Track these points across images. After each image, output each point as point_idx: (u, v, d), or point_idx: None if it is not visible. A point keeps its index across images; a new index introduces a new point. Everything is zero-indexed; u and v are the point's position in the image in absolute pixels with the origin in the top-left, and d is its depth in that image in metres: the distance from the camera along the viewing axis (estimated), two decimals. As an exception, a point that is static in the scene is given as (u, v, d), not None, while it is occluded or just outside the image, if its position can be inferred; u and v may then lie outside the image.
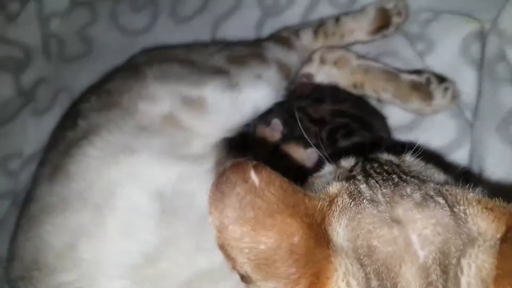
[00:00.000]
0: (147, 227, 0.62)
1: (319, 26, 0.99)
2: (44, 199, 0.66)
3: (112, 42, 1.19)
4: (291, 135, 0.85)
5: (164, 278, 0.60)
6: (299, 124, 0.80)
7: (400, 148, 0.81)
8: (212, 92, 0.76)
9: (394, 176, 0.45)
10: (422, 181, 0.44)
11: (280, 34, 0.98)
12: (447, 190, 0.42)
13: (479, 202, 0.41)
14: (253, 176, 0.38)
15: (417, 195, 0.42)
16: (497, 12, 0.91)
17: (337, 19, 0.98)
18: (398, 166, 0.49)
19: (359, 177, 0.46)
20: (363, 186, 0.44)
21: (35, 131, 1.06)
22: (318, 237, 0.39)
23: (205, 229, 0.62)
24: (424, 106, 0.89)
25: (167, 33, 1.17)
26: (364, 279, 0.37)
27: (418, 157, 0.78)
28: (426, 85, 0.88)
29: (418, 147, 0.85)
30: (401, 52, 0.97)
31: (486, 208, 0.39)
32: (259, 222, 0.37)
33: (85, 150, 0.66)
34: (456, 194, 0.42)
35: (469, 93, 0.91)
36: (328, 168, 0.55)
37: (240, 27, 1.11)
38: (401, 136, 0.92)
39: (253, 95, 0.79)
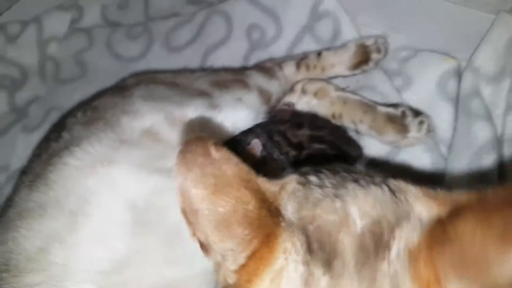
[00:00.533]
0: (118, 236, 0.63)
1: (301, 59, 1.03)
2: (22, 204, 0.67)
3: (106, 67, 1.23)
4: (269, 157, 0.87)
5: (130, 286, 0.61)
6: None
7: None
8: (193, 111, 0.78)
9: (342, 172, 0.50)
10: (369, 175, 0.49)
11: (264, 64, 1.03)
12: (393, 182, 0.47)
13: (422, 192, 0.45)
14: (213, 151, 0.44)
15: (362, 181, 0.47)
16: (473, 51, 0.95)
17: (319, 53, 1.03)
18: (349, 169, 0.53)
19: (310, 172, 0.50)
20: (312, 177, 0.49)
21: (23, 147, 1.09)
22: (269, 209, 0.44)
23: (174, 243, 0.64)
24: (399, 139, 0.91)
25: (160, 60, 1.22)
26: (306, 242, 0.42)
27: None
28: (401, 118, 0.91)
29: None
30: (379, 87, 1.00)
31: (428, 196, 0.44)
32: (218, 189, 0.43)
33: (65, 159, 0.68)
34: (400, 185, 0.46)
35: (445, 128, 0.94)
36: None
37: (228, 58, 1.16)
38: (376, 167, 0.94)
39: (232, 116, 0.82)
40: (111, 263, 0.61)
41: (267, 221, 0.43)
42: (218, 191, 0.43)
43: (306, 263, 0.41)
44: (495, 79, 0.91)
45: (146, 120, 0.75)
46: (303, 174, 0.50)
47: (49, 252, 0.61)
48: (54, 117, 1.15)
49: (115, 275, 0.61)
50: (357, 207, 0.43)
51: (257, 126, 0.89)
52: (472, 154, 0.86)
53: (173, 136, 0.75)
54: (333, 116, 0.97)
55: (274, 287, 0.41)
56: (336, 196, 0.45)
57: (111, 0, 1.35)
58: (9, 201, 0.73)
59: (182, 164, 0.44)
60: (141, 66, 1.22)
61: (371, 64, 1.01)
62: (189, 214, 0.44)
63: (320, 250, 0.41)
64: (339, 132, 0.95)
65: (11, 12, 1.31)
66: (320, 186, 0.47)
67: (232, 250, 0.43)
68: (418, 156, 0.93)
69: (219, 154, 0.44)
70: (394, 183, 0.47)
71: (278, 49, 1.12)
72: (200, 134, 0.46)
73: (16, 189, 0.74)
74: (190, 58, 1.19)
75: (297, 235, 0.43)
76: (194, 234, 0.45)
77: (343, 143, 0.92)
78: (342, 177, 0.48)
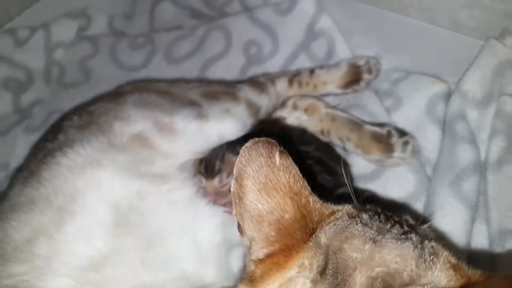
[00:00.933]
0: (99, 235, 0.66)
1: (294, 76, 1.06)
2: (15, 198, 0.71)
3: (109, 74, 1.28)
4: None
5: (106, 284, 0.63)
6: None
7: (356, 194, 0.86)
8: (181, 119, 0.82)
9: (397, 224, 0.51)
10: (416, 233, 0.50)
11: (257, 79, 1.06)
12: (431, 244, 0.48)
13: (449, 259, 0.46)
14: (277, 156, 0.48)
15: (400, 235, 0.48)
16: (462, 75, 0.97)
17: (311, 70, 1.06)
18: (410, 224, 0.54)
19: (369, 211, 0.53)
20: (364, 215, 0.51)
21: (24, 147, 1.12)
22: (305, 226, 0.48)
23: (153, 247, 0.67)
24: (384, 158, 0.93)
25: (160, 71, 1.26)
26: (322, 266, 0.44)
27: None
28: (387, 137, 0.93)
29: (373, 196, 0.90)
30: (369, 106, 1.02)
31: (452, 265, 0.45)
32: (265, 189, 0.48)
33: (58, 159, 0.72)
34: (436, 248, 0.47)
35: (431, 150, 0.96)
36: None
37: (225, 71, 1.19)
38: (362, 184, 0.96)
39: (219, 126, 0.85)
40: (90, 260, 0.64)
41: (296, 235, 0.47)
42: (264, 191, 0.48)
43: (314, 282, 0.44)
44: (481, 104, 0.93)
45: (136, 126, 0.78)
46: (360, 210, 0.52)
47: (35, 244, 0.64)
48: (55, 119, 1.18)
49: (93, 272, 0.63)
50: (380, 255, 0.44)
51: (246, 136, 0.91)
52: (453, 176, 0.87)
53: (161, 141, 0.79)
54: (322, 132, 0.99)
55: None
56: (371, 239, 0.46)
57: (118, 10, 1.40)
58: (4, 196, 0.76)
59: (245, 157, 0.49)
60: (142, 75, 1.26)
61: (362, 84, 1.04)
62: (235, 196, 0.50)
63: (332, 277, 0.43)
64: (327, 149, 0.97)
65: (21, 17, 1.36)
66: (365, 225, 0.48)
67: (256, 242, 0.48)
68: (403, 176, 0.94)
69: (280, 161, 0.48)
70: (432, 244, 0.48)
71: (274, 65, 1.16)
72: (271, 140, 0.49)
73: (11, 185, 0.78)
74: (189, 70, 1.23)
75: (318, 257, 0.45)
76: (235, 214, 0.50)
77: (330, 160, 0.94)
78: (392, 226, 0.49)
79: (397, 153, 0.92)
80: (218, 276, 0.71)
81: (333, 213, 0.51)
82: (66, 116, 0.92)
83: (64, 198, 0.68)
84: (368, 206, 0.56)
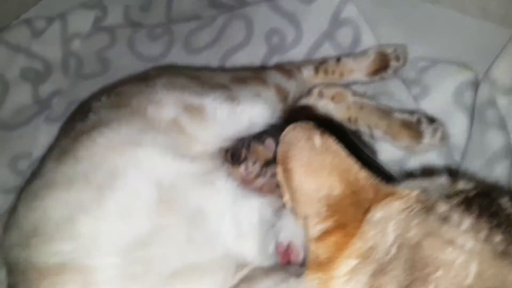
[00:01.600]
0: (143, 212, 0.65)
1: (320, 64, 1.05)
2: (49, 176, 0.70)
3: (128, 65, 1.26)
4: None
5: (154, 262, 0.62)
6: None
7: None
8: (211, 102, 0.80)
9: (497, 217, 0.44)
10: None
11: (283, 65, 1.05)
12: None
13: None
14: (317, 138, 0.48)
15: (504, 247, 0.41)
16: (490, 64, 0.96)
17: (338, 58, 1.05)
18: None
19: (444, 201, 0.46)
20: (443, 206, 0.45)
21: (45, 136, 1.11)
22: (357, 203, 0.47)
23: (196, 225, 0.67)
24: (413, 144, 0.92)
25: (179, 61, 1.24)
26: (392, 256, 0.41)
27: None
28: (416, 124, 0.92)
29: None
30: (397, 94, 1.02)
31: None
32: (310, 170, 0.48)
33: (94, 137, 0.71)
34: None
35: (459, 136, 0.95)
36: (441, 179, 0.54)
37: (246, 61, 1.18)
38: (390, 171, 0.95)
39: (250, 109, 0.83)
40: (136, 238, 0.63)
41: (348, 211, 0.46)
42: (310, 172, 0.48)
43: (378, 271, 0.41)
44: (511, 91, 0.92)
45: (169, 111, 0.77)
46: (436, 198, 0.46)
47: (77, 222, 0.63)
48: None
49: (140, 251, 0.63)
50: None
51: (272, 126, 0.90)
52: (484, 161, 0.87)
53: (194, 127, 0.78)
54: (349, 120, 0.98)
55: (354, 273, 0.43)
56: (460, 246, 0.40)
57: (134, 1, 1.38)
58: (35, 174, 0.75)
59: (285, 142, 0.49)
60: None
61: (389, 71, 1.03)
62: (283, 183, 0.49)
63: (405, 272, 0.40)
64: (354, 137, 0.96)
65: (38, 7, 1.34)
66: (444, 220, 0.43)
67: (309, 219, 0.48)
68: (431, 162, 0.94)
69: (321, 142, 0.48)
70: None
71: (297, 54, 1.14)
72: (310, 123, 0.50)
73: (42, 163, 0.76)
74: (209, 60, 1.22)
75: (382, 244, 0.43)
76: (286, 200, 0.50)
77: (357, 148, 0.93)
78: (490, 227, 0.42)
79: (426, 140, 0.92)
80: (258, 256, 0.71)
81: (394, 194, 0.48)
82: (91, 98, 0.91)
83: (103, 175, 0.67)
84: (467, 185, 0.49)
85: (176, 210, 0.67)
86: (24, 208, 0.69)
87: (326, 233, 0.47)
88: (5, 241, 0.70)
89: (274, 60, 1.16)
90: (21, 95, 1.24)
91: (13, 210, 0.73)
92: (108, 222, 0.64)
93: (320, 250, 0.46)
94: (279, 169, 0.50)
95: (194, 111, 0.79)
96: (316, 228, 0.47)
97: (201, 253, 0.65)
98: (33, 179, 0.73)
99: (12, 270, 0.68)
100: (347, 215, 0.46)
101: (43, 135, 1.14)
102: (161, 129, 0.74)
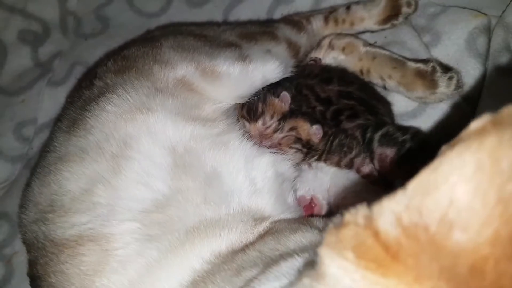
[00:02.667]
0: (159, 177, 0.65)
1: (329, 13, 1.02)
2: (62, 149, 0.69)
3: (128, 22, 1.23)
4: (297, 110, 0.87)
5: (172, 223, 0.63)
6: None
7: (403, 131, 0.85)
8: (223, 62, 0.78)
9: None
10: None
11: (291, 17, 1.01)
12: None
13: None
14: None
15: None
16: (504, 7, 0.93)
17: (347, 7, 1.01)
18: None
19: None
20: None
21: (50, 101, 1.10)
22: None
23: (212, 184, 0.68)
24: (428, 95, 0.91)
25: (181, 15, 1.20)
26: None
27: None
28: (431, 73, 0.90)
29: (419, 131, 0.89)
30: (408, 43, 0.99)
31: None
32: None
33: (102, 105, 0.70)
34: None
35: (472, 85, 0.93)
36: None
37: (251, 12, 1.14)
38: (404, 123, 0.94)
39: (262, 67, 0.82)
40: (153, 202, 0.63)
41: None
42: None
43: None
44: (526, 35, 0.90)
45: (178, 70, 0.76)
46: None
47: (93, 193, 0.63)
48: (78, 71, 1.15)
49: (158, 213, 0.63)
50: None
51: (286, 79, 0.89)
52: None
53: (205, 86, 0.76)
54: (361, 71, 0.96)
55: None
56: None
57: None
58: (47, 147, 0.74)
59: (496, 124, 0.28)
60: (162, 21, 1.21)
61: (400, 18, 1.00)
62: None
63: None
64: (368, 88, 0.94)
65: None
66: None
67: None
68: (445, 112, 0.93)
69: None
70: None
71: (303, 4, 1.11)
72: None
73: (53, 136, 0.75)
74: (211, 13, 1.18)
75: None
76: None
77: (371, 99, 0.92)
78: None
79: (441, 89, 0.90)
80: (276, 208, 0.71)
81: None
82: (99, 64, 0.89)
83: (117, 144, 0.66)
84: None
85: (192, 173, 0.67)
86: (38, 183, 0.69)
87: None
88: (22, 219, 0.70)
89: (280, 11, 1.12)
90: (20, 59, 1.21)
91: (27, 185, 0.73)
92: (125, 190, 0.64)
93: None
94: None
95: (205, 70, 0.77)
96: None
97: (217, 211, 0.65)
98: (45, 154, 0.72)
99: (31, 247, 0.68)
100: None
101: (47, 99, 1.13)
102: (169, 90, 0.73)
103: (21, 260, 0.95)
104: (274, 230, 0.65)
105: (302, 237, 0.61)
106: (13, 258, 0.99)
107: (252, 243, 0.63)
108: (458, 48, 0.96)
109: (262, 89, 0.85)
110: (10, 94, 1.18)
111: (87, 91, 0.76)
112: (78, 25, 1.25)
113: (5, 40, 1.21)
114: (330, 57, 0.99)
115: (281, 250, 0.59)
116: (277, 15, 1.12)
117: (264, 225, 0.67)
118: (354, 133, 0.87)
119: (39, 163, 0.73)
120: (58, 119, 0.80)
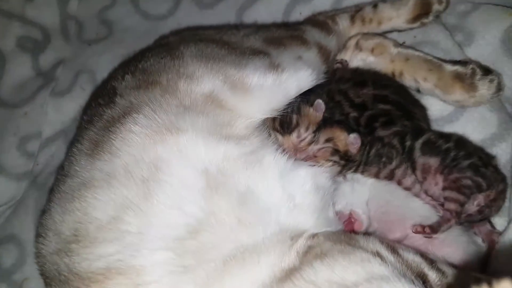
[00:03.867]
0: (192, 200, 0.61)
1: (356, 12, 0.96)
2: (85, 173, 0.64)
3: (134, 26, 1.16)
4: (331, 119, 0.81)
5: (206, 251, 0.58)
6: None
7: (445, 138, 0.79)
8: (253, 72, 0.73)
9: None
10: None
11: (316, 18, 0.95)
12: None
13: None
14: None
15: None
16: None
17: (374, 5, 0.95)
18: None
19: None
20: None
21: (54, 113, 1.03)
22: None
23: (246, 206, 0.63)
24: (466, 98, 0.85)
25: (190, 18, 1.14)
26: None
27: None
28: (470, 76, 0.84)
29: (461, 137, 0.83)
30: (441, 42, 0.93)
31: None
32: None
33: (129, 126, 0.65)
34: None
35: (510, 87, 0.88)
36: None
37: (266, 13, 1.08)
38: (439, 128, 0.88)
39: (295, 76, 0.76)
40: (186, 227, 0.59)
41: None
42: None
43: None
44: None
45: (205, 84, 0.70)
46: None
47: (122, 220, 0.59)
48: (83, 80, 1.08)
49: (191, 240, 0.59)
50: None
51: (317, 86, 0.82)
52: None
53: (236, 101, 0.71)
54: (393, 74, 0.91)
55: None
56: None
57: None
58: (65, 171, 0.69)
59: None
60: (170, 24, 1.14)
61: (431, 17, 0.94)
62: None
63: None
64: (403, 91, 0.88)
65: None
66: None
67: None
68: (484, 116, 0.87)
69: None
70: None
71: (323, 3, 1.04)
72: None
73: (71, 158, 0.69)
74: (224, 15, 1.12)
75: None
76: None
77: (408, 103, 0.86)
78: None
79: (481, 92, 0.84)
80: (318, 224, 0.67)
81: None
82: (114, 76, 0.82)
83: (147, 167, 0.61)
84: None
85: (225, 194, 0.62)
86: (60, 211, 0.63)
87: None
88: (40, 249, 0.64)
89: (298, 10, 1.06)
90: (20, 68, 1.13)
91: (45, 214, 0.67)
92: (157, 216, 0.59)
93: None
94: None
95: (234, 83, 0.71)
96: None
97: (253, 233, 0.61)
98: (64, 177, 0.67)
99: (52, 280, 0.62)
100: None
101: (52, 111, 1.05)
102: (198, 108, 0.67)
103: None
104: (320, 251, 0.60)
105: (360, 267, 0.55)
106: (23, 284, 0.92)
107: (297, 269, 0.58)
108: (494, 48, 0.90)
109: (295, 99, 0.79)
110: (12, 106, 1.10)
111: (108, 110, 0.70)
112: (80, 30, 1.18)
113: (3, 48, 1.13)
114: (358, 59, 0.93)
115: (339, 283, 0.54)
116: (294, 15, 1.06)
117: (301, 242, 0.62)
118: (391, 141, 0.81)
119: (57, 188, 0.67)
120: (76, 140, 0.73)
